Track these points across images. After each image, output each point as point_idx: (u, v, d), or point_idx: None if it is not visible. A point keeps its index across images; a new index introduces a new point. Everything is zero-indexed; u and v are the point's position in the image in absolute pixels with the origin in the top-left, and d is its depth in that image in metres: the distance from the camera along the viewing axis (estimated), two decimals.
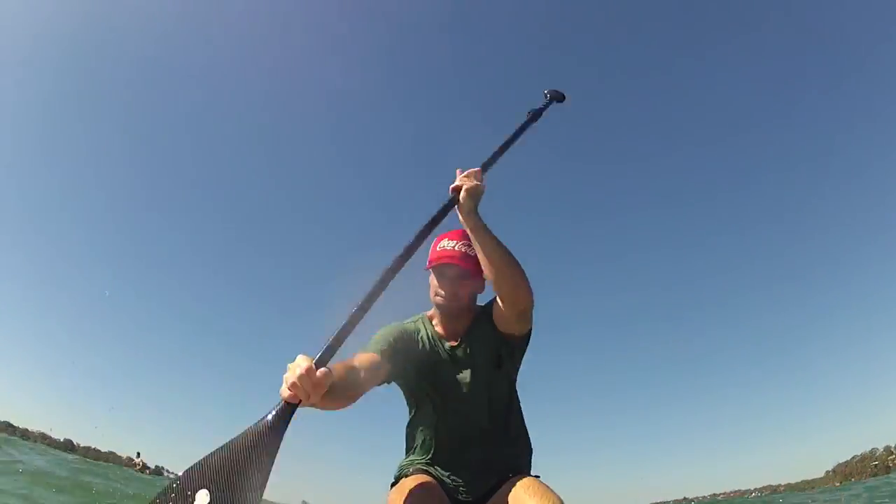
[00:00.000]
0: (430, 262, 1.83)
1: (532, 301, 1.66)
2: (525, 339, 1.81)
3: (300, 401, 1.28)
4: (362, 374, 1.57)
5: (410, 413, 1.93)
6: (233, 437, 1.30)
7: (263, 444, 1.27)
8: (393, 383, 1.84)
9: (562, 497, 1.50)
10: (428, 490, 1.66)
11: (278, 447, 1.28)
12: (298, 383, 1.25)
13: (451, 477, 1.78)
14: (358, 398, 1.57)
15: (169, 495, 1.23)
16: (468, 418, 1.78)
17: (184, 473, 1.26)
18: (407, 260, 1.55)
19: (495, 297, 1.72)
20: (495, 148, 1.86)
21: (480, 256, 1.66)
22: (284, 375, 1.29)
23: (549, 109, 2.08)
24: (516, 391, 1.89)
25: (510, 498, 1.55)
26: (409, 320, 1.95)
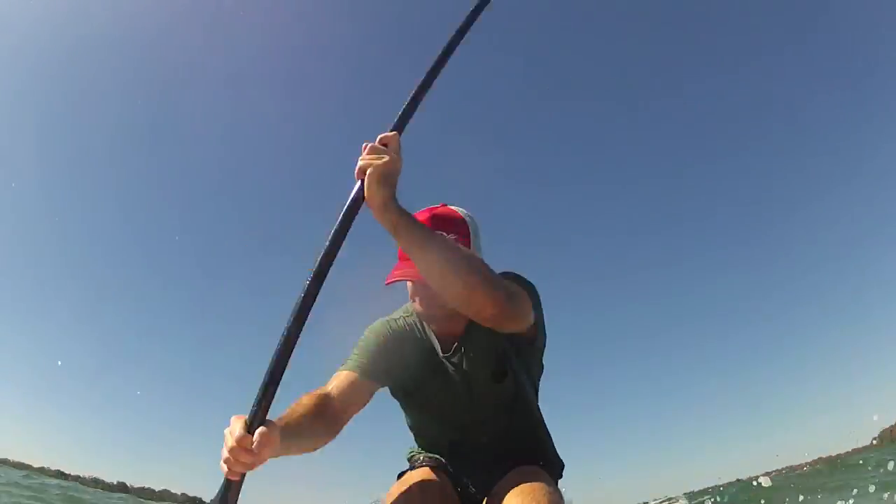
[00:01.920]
0: (391, 274, 1.43)
1: (501, 313, 1.25)
2: (533, 335, 1.46)
3: (242, 475, 1.08)
4: (338, 403, 1.40)
5: (406, 415, 1.71)
6: None
7: None
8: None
9: (556, 491, 1.35)
10: (432, 484, 1.47)
11: None
12: (231, 458, 1.04)
13: (460, 471, 1.61)
14: (342, 427, 1.41)
15: None
16: (470, 430, 1.59)
17: None
18: (307, 313, 1.18)
19: None
20: (415, 84, 1.29)
21: (426, 276, 1.24)
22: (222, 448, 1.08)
23: None
24: (528, 392, 1.61)
25: (505, 490, 1.38)
26: (399, 314, 1.63)
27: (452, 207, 1.52)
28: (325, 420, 1.35)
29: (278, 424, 1.16)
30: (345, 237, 1.18)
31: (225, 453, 1.05)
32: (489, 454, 1.60)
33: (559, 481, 1.64)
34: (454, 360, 1.53)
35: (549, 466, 1.61)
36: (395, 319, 1.62)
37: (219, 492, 1.10)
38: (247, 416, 1.09)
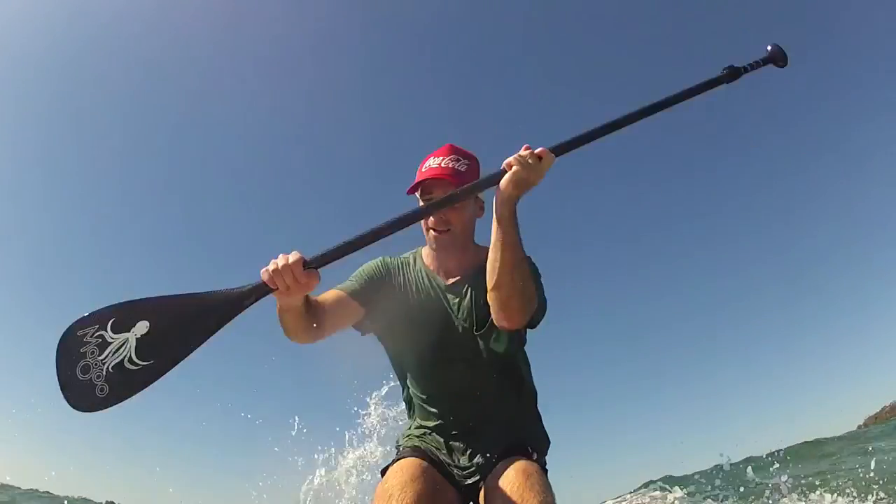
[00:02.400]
0: (413, 183, 1.55)
1: (522, 324, 1.42)
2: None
3: (276, 288, 1.23)
4: (323, 313, 1.47)
5: (399, 377, 1.72)
6: (200, 291, 1.26)
7: (221, 308, 1.24)
8: (375, 343, 1.66)
9: (549, 489, 1.35)
10: (418, 477, 1.43)
11: (233, 317, 1.25)
12: (281, 272, 1.22)
13: (446, 453, 1.57)
14: (319, 336, 1.48)
15: (109, 314, 1.21)
16: (464, 375, 1.54)
17: (133, 301, 1.24)
18: (430, 215, 1.49)
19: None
20: (598, 126, 1.44)
21: (491, 255, 1.37)
22: (272, 260, 1.24)
23: (753, 73, 1.64)
24: (525, 353, 1.65)
25: (500, 486, 1.37)
26: (401, 255, 1.72)
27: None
28: (315, 318, 1.44)
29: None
30: (475, 193, 1.46)
31: (277, 265, 1.22)
32: (482, 427, 1.57)
33: (548, 468, 1.64)
34: (457, 288, 1.58)
35: (537, 446, 1.60)
36: (394, 258, 1.69)
37: (251, 286, 1.25)
38: (304, 256, 1.25)
